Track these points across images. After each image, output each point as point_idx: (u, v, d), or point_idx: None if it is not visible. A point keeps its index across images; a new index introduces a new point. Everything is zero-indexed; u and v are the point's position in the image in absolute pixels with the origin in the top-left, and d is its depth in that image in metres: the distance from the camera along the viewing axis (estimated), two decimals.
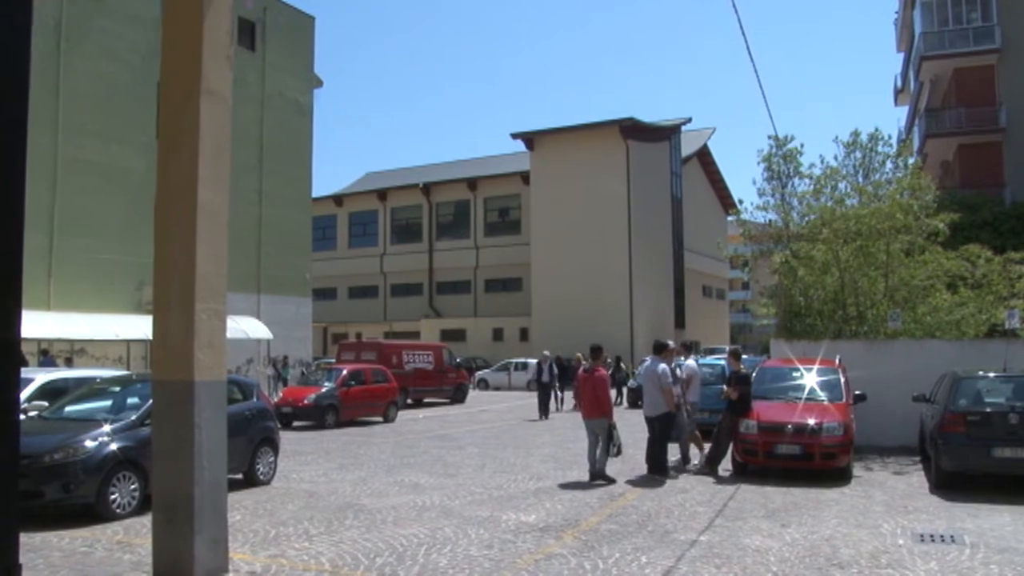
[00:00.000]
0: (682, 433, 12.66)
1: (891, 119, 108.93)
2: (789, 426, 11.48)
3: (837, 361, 13.74)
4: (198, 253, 6.36)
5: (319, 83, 35.89)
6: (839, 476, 11.50)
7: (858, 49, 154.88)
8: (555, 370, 24.21)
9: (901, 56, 44.43)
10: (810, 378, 12.99)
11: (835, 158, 19.61)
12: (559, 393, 25.91)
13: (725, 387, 12.60)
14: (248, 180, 30.09)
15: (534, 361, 36.96)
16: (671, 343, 13.08)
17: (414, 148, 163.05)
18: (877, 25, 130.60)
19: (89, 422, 9.38)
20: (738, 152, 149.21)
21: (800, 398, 12.44)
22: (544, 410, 22.76)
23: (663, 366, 11.90)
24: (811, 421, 11.44)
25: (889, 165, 19.59)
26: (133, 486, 9.05)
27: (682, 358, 13.37)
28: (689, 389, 12.81)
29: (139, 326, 23.40)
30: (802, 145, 19.51)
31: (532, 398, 29.49)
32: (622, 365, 28.67)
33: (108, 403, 10.15)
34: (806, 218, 18.70)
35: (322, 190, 64.33)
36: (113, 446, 8.95)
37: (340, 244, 59.29)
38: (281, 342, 30.77)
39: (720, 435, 12.37)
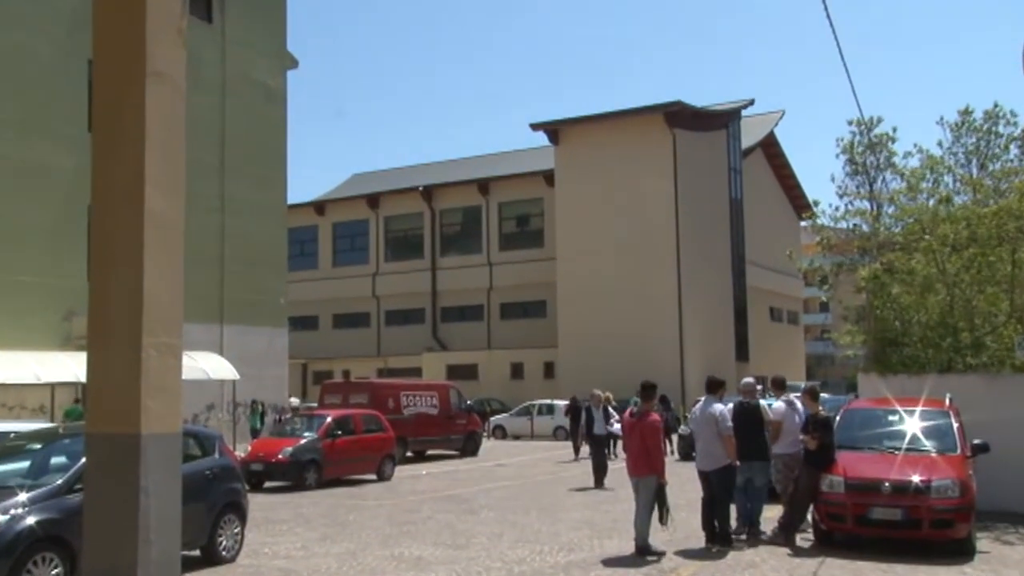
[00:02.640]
0: (753, 491, 12.45)
1: (1016, 92, 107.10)
2: (886, 484, 11.30)
3: (947, 401, 13.53)
4: (146, 274, 6.30)
5: (294, 63, 36.24)
6: (957, 550, 11.23)
7: (968, 3, 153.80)
8: (613, 414, 21.87)
9: None
10: (912, 423, 12.81)
11: (939, 144, 19.43)
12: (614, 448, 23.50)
13: (801, 435, 12.43)
14: (208, 183, 30.24)
15: (562, 403, 36.89)
16: (749, 379, 12.99)
17: (412, 143, 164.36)
18: None
19: None
20: (813, 141, 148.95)
21: (899, 448, 12.28)
22: (602, 473, 19.55)
23: (720, 407, 11.82)
24: (916, 478, 11.25)
25: (1014, 150, 19.37)
26: (56, 571, 8.95)
27: (773, 397, 13.09)
28: (780, 437, 12.56)
29: (67, 366, 23.24)
30: (894, 129, 19.25)
31: (559, 449, 29.43)
32: (672, 406, 28.49)
33: (25, 465, 10.08)
34: (901, 222, 18.54)
35: (300, 195, 65.22)
36: (30, 520, 8.84)
37: (323, 262, 59.76)
38: (250, 383, 30.80)
39: (797, 495, 12.19)
